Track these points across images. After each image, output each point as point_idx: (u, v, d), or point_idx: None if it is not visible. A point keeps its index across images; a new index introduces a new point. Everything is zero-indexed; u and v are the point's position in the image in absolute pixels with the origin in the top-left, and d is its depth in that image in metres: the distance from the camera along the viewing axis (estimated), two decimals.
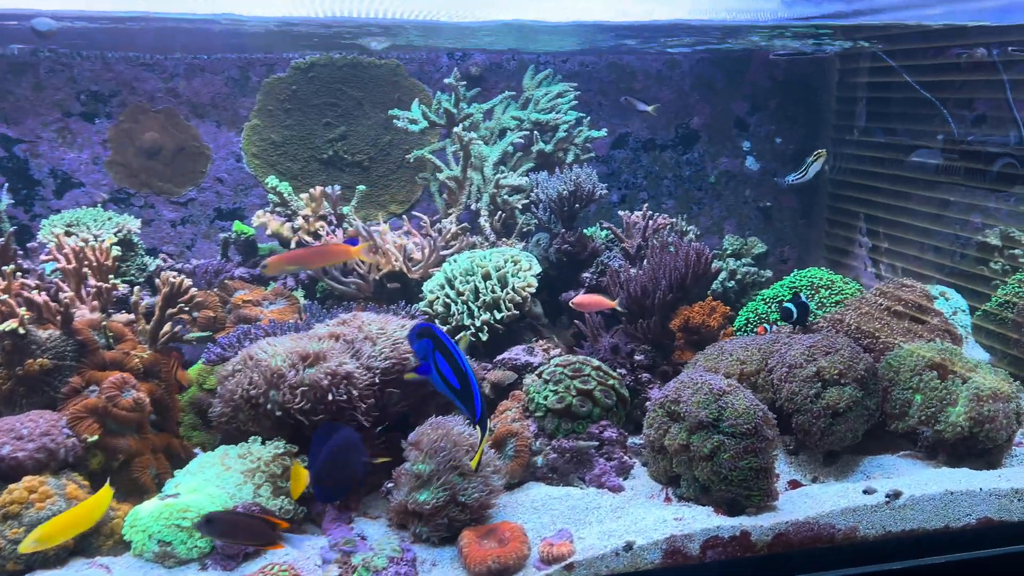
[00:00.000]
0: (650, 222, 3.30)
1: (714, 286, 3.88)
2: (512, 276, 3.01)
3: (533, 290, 3.01)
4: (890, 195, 3.99)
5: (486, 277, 2.99)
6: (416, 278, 3.19)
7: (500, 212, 3.40)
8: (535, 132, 3.62)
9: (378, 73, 3.90)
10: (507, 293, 2.95)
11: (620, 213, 3.29)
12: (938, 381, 2.57)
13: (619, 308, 2.89)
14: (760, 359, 2.69)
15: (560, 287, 3.23)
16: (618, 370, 2.90)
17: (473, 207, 3.50)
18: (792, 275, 3.62)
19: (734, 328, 3.55)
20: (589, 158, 3.80)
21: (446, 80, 3.44)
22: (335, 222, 3.26)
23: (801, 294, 2.93)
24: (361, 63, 3.87)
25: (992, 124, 3.85)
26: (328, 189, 3.25)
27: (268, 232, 3.18)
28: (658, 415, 2.49)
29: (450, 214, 3.52)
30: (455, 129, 3.34)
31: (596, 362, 2.70)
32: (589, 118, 3.84)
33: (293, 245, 3.19)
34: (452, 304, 2.95)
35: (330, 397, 2.28)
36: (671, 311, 3.05)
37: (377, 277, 3.19)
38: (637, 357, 2.93)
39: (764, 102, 4.29)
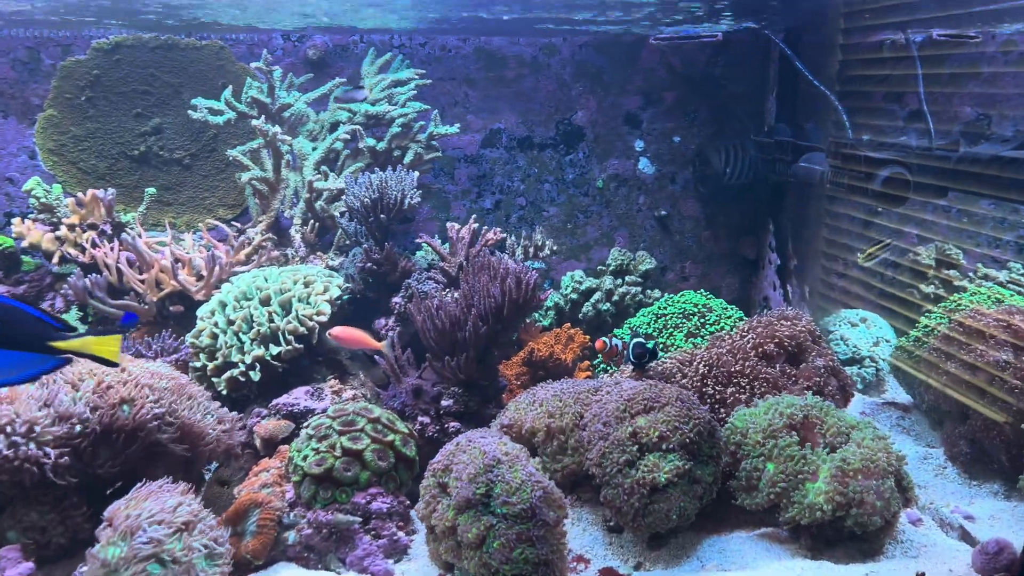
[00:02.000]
0: (478, 236, 2.78)
1: (584, 309, 3.38)
2: (299, 301, 2.49)
3: (325, 318, 2.49)
4: (806, 203, 3.49)
5: (265, 302, 2.48)
6: (202, 299, 2.67)
7: (314, 221, 2.87)
8: (360, 128, 3.09)
9: (198, 56, 3.37)
10: (288, 323, 2.43)
11: (449, 224, 2.77)
12: (797, 448, 2.06)
13: (385, 350, 2.39)
14: (576, 411, 2.18)
15: (373, 313, 2.71)
16: (420, 419, 2.40)
17: (287, 214, 2.98)
18: (663, 300, 3.12)
19: (594, 363, 3.04)
20: (433, 158, 3.28)
21: (254, 65, 2.92)
22: (109, 232, 2.73)
23: (618, 333, 2.43)
24: (177, 44, 3.34)
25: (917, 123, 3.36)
26: (101, 193, 2.72)
27: (25, 243, 2.65)
28: (431, 485, 1.98)
29: (260, 222, 3.00)
30: (254, 122, 2.82)
31: (378, 412, 2.19)
32: (437, 111, 3.32)
33: (56, 260, 2.66)
34: (221, 335, 2.43)
35: None
36: (497, 345, 2.54)
37: (155, 299, 2.67)
38: (444, 402, 2.42)
39: (659, 95, 3.78)
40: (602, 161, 3.81)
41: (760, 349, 2.46)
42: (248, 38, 3.46)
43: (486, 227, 2.75)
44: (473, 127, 3.71)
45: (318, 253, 2.87)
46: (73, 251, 2.63)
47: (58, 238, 2.63)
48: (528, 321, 3.23)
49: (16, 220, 2.68)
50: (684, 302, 2.97)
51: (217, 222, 3.49)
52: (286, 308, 2.47)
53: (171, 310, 2.70)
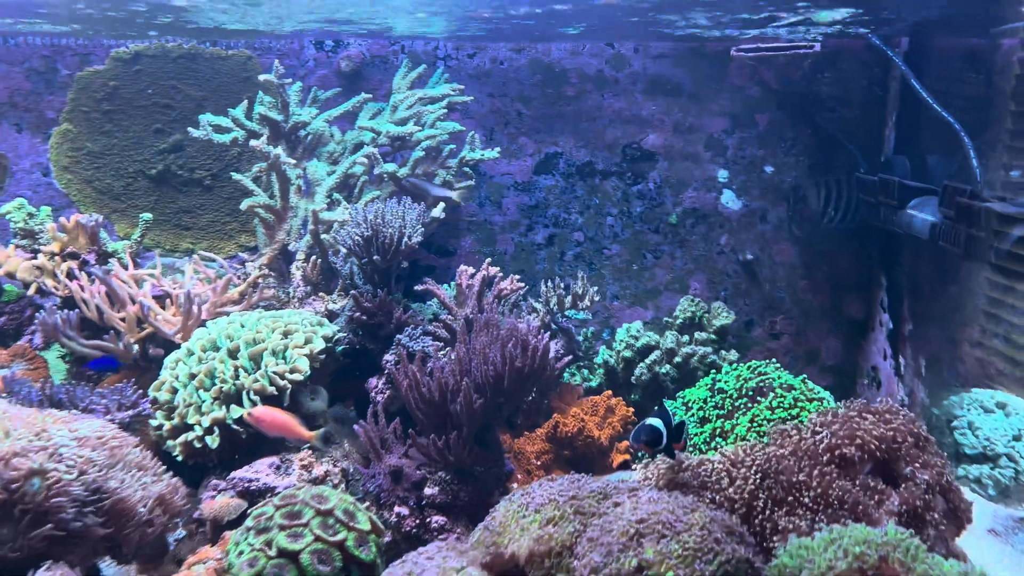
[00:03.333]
0: (490, 285, 2.42)
1: (638, 371, 2.94)
2: (273, 355, 2.22)
3: (301, 376, 2.21)
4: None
5: (233, 353, 2.22)
6: (180, 341, 2.46)
7: (317, 257, 2.61)
8: (376, 152, 2.81)
9: (224, 67, 3.22)
10: (255, 380, 2.16)
11: (460, 268, 2.42)
12: None
13: (316, 442, 2.06)
14: (573, 528, 1.76)
15: (366, 371, 2.41)
16: (397, 508, 2.06)
17: (292, 246, 2.74)
18: (729, 369, 2.64)
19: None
20: (466, 188, 2.96)
21: (262, 77, 2.70)
22: (92, 261, 2.57)
23: (670, 407, 1.95)
24: (202, 54, 3.20)
25: None
26: (85, 218, 2.58)
27: (1, 271, 2.54)
28: None
29: (263, 254, 2.77)
30: (254, 143, 2.59)
31: (334, 502, 1.87)
32: (473, 133, 3.00)
33: (32, 291, 2.53)
34: (180, 389, 2.20)
35: None
36: (499, 422, 2.17)
37: (133, 340, 2.48)
38: (428, 490, 2.07)
39: (749, 117, 3.29)
40: (677, 193, 3.36)
41: (836, 453, 1.95)
42: (279, 46, 3.28)
43: (501, 274, 2.39)
44: (526, 151, 3.37)
45: (320, 294, 2.61)
46: (50, 282, 2.49)
47: (37, 267, 2.50)
48: (565, 383, 2.83)
49: None
50: (752, 375, 2.48)
51: (240, 249, 3.32)
52: (257, 362, 2.21)
53: (151, 353, 2.51)
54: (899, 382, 2.87)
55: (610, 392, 2.68)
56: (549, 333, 2.14)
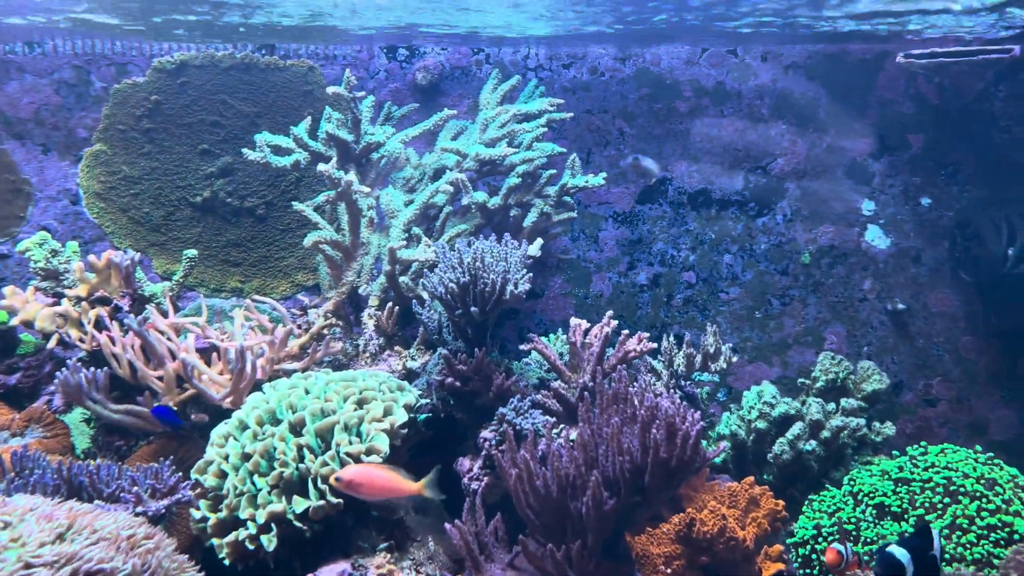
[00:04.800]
0: (612, 343, 2.03)
1: (778, 448, 2.53)
2: (345, 431, 1.87)
3: (379, 457, 1.85)
4: None
5: (295, 429, 1.87)
6: (229, 407, 2.13)
7: (393, 304, 2.27)
8: (464, 178, 2.47)
9: (281, 79, 2.93)
10: (323, 464, 1.81)
11: (573, 323, 2.05)
12: None
13: (428, 492, 1.70)
14: None
15: (452, 448, 2.04)
16: None
17: (362, 290, 2.41)
18: (912, 455, 2.21)
19: (792, 545, 2.18)
20: (566, 219, 2.60)
21: (331, 89, 2.39)
22: (126, 307, 2.27)
23: (934, 530, 1.54)
24: (256, 64, 2.92)
25: None
26: (119, 256, 2.27)
27: (16, 320, 2.24)
28: None
29: (328, 299, 2.44)
30: (322, 167, 2.27)
31: None
32: (575, 156, 2.64)
33: (53, 343, 2.23)
34: (231, 474, 1.85)
35: None
36: (632, 528, 1.78)
37: (173, 404, 2.16)
38: None
39: (901, 138, 2.89)
40: (811, 228, 2.96)
41: None
42: (345, 55, 2.99)
43: (626, 331, 2.01)
44: (628, 176, 3.01)
45: (396, 348, 2.26)
46: (75, 333, 2.19)
47: (60, 315, 2.20)
48: None
49: (8, 289, 2.28)
50: (946, 467, 2.05)
51: (297, 288, 3.01)
52: (325, 440, 1.86)
53: (193, 419, 2.18)
54: None
55: (752, 479, 2.27)
56: (699, 414, 1.75)
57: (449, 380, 1.92)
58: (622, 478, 1.68)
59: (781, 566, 2.10)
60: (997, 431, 2.88)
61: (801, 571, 2.13)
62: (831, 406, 2.65)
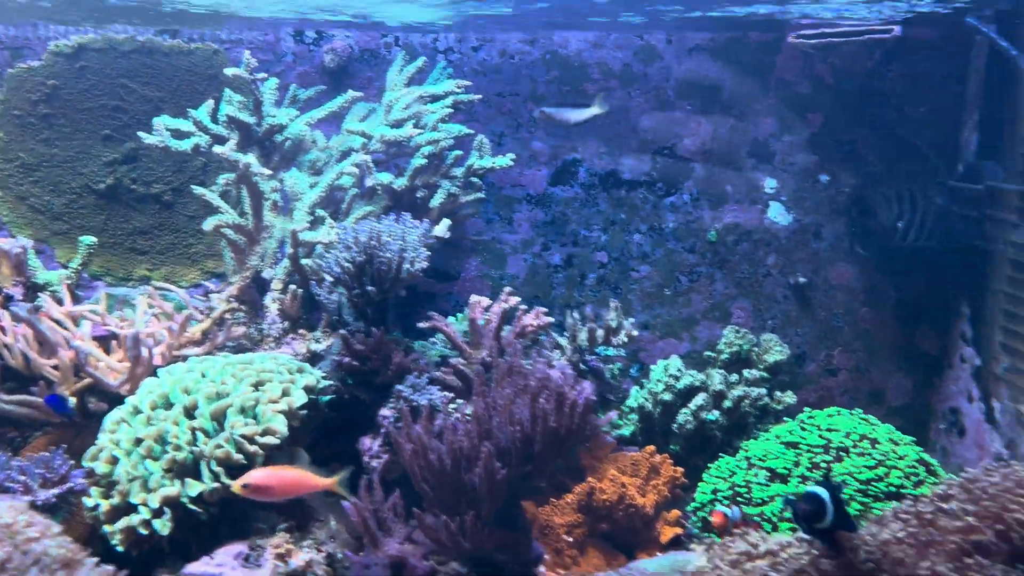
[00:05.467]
0: (511, 319, 2.05)
1: (682, 418, 2.58)
2: (240, 413, 1.84)
3: (277, 439, 1.83)
4: (1015, 277, 2.58)
5: (189, 412, 1.85)
6: (127, 394, 2.08)
7: (297, 287, 2.25)
8: (369, 160, 2.45)
9: (186, 63, 2.87)
10: (217, 447, 1.78)
11: (472, 300, 2.06)
12: None
13: (341, 488, 1.71)
14: None
15: (357, 425, 2.03)
16: None
17: (266, 274, 2.38)
18: (804, 418, 2.29)
19: (693, 510, 2.23)
20: (474, 200, 2.60)
21: (229, 71, 2.35)
22: (18, 296, 2.20)
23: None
24: (159, 48, 2.85)
25: None
26: (9, 244, 2.20)
27: None
28: None
29: (232, 283, 2.41)
30: (218, 149, 2.23)
31: None
32: (483, 137, 2.65)
33: None
34: (122, 459, 1.82)
35: None
36: (528, 495, 1.80)
37: (70, 392, 2.10)
38: None
39: (801, 118, 2.96)
40: (716, 206, 3.02)
41: (971, 540, 1.59)
42: (252, 38, 2.93)
43: (524, 306, 2.03)
44: (540, 158, 3.03)
45: (300, 331, 2.24)
46: None
47: None
48: (597, 436, 2.46)
49: None
50: (828, 429, 2.12)
51: (206, 276, 2.95)
52: (221, 423, 1.83)
53: (91, 408, 2.13)
54: (993, 430, 2.52)
55: (653, 448, 2.32)
56: (590, 384, 1.78)
57: (347, 360, 1.92)
58: (513, 448, 1.70)
59: (679, 530, 2.15)
60: (894, 398, 3.00)
61: (701, 533, 2.18)
62: (734, 377, 2.73)
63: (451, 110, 2.49)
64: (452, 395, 1.92)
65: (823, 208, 2.98)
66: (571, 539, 2.10)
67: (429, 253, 1.90)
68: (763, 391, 2.67)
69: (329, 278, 2.01)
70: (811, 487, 1.44)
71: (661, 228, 3.05)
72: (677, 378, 2.69)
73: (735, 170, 3.00)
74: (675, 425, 2.62)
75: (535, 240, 3.07)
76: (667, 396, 2.67)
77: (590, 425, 1.78)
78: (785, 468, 2.11)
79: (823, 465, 2.06)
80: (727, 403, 2.61)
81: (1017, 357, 2.51)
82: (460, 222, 2.75)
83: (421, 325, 2.01)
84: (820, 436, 2.11)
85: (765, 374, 2.77)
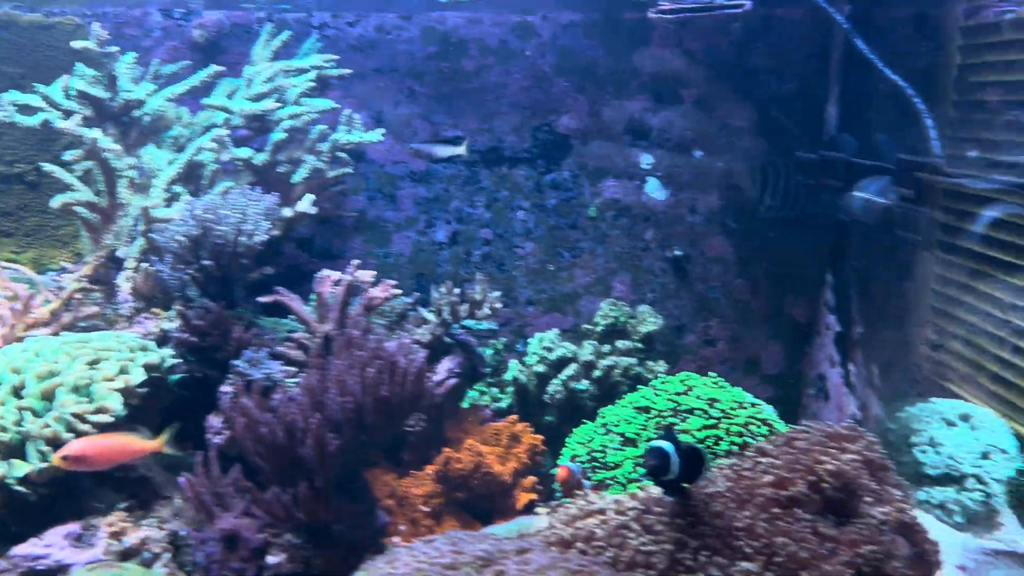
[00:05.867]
0: (356, 293, 2.04)
1: (552, 388, 2.61)
2: (72, 392, 1.80)
3: (110, 418, 1.79)
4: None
5: (17, 392, 1.79)
6: None
7: (148, 265, 2.20)
8: (226, 135, 2.41)
9: (46, 38, 2.76)
10: (44, 427, 1.73)
11: (319, 275, 2.04)
12: None
13: (168, 448, 1.69)
14: None
15: (207, 407, 2.00)
16: None
17: (121, 253, 2.31)
18: (658, 384, 2.33)
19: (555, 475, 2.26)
20: (341, 175, 2.58)
21: (78, 44, 2.28)
22: None
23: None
24: (16, 21, 2.74)
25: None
26: None
27: None
28: None
29: (87, 263, 2.34)
30: (61, 124, 2.16)
31: None
32: (350, 112, 2.62)
33: None
34: None
35: None
36: (366, 464, 1.79)
37: None
38: (272, 558, 1.68)
39: (675, 94, 3.00)
40: (596, 182, 3.05)
41: (784, 491, 1.64)
42: (117, 13, 2.85)
43: (372, 279, 2.02)
44: (420, 134, 3.00)
45: (154, 310, 2.19)
46: None
47: None
48: (467, 407, 2.47)
49: None
50: (679, 392, 2.17)
51: (77, 258, 2.86)
52: (52, 402, 1.78)
53: None
54: (849, 393, 2.61)
55: (514, 417, 2.34)
56: (428, 351, 1.78)
57: (184, 336, 1.88)
58: (345, 419, 1.69)
59: (534, 495, 2.18)
60: (769, 366, 3.07)
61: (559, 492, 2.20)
62: (607, 348, 2.76)
63: (313, 83, 2.45)
64: (296, 370, 1.90)
65: (698, 183, 3.02)
66: (427, 509, 2.10)
67: (270, 226, 1.88)
68: (633, 360, 2.72)
69: (169, 254, 1.97)
70: (656, 442, 1.46)
71: (543, 205, 3.06)
72: (550, 350, 2.72)
73: (613, 146, 3.03)
74: (547, 396, 2.65)
75: (419, 218, 3.05)
76: (540, 368, 2.69)
77: (428, 394, 1.78)
78: (635, 432, 2.15)
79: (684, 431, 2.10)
80: (597, 372, 2.65)
81: (869, 322, 2.60)
82: (333, 199, 2.72)
83: (262, 299, 1.98)
84: (670, 400, 2.16)
85: (639, 344, 2.82)
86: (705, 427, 2.03)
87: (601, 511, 1.72)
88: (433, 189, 3.04)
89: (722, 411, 2.08)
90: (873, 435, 1.77)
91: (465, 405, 2.71)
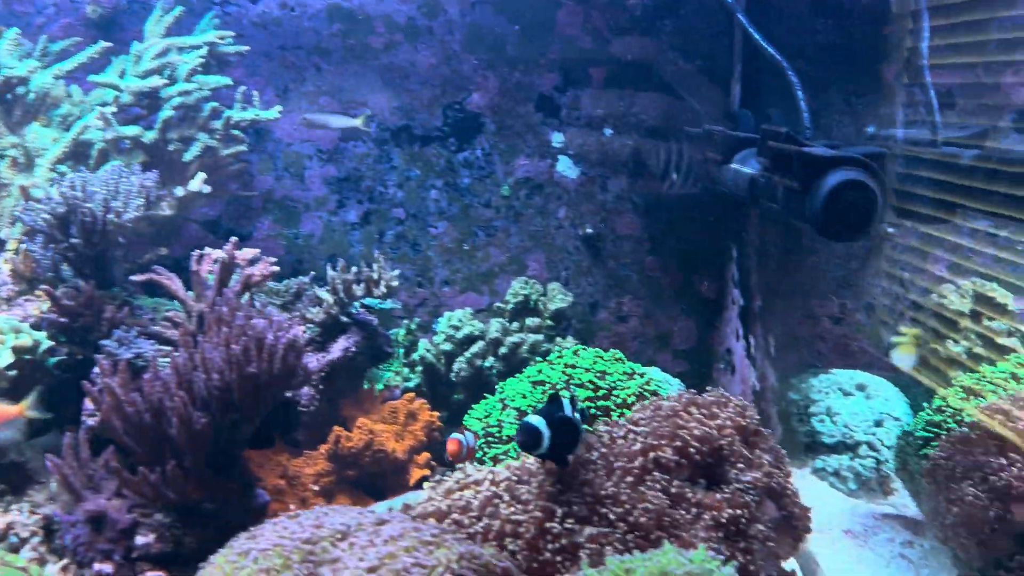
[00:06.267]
0: (232, 271, 2.00)
1: (456, 367, 2.60)
2: None
3: None
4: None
5: None
6: None
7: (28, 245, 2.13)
8: (109, 113, 2.35)
9: None
10: None
11: (195, 253, 2.00)
12: None
13: (31, 412, 1.66)
14: (301, 573, 1.39)
15: (74, 392, 1.95)
16: (98, 566, 1.63)
17: (3, 235, 2.25)
18: (554, 358, 2.32)
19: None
20: (236, 153, 2.53)
21: None
22: None
23: (565, 398, 1.55)
24: None
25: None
26: None
27: None
28: None
29: None
30: None
31: None
32: (245, 88, 2.57)
33: None
34: None
35: None
36: (239, 444, 1.77)
37: None
38: (141, 539, 1.65)
39: (584, 72, 2.99)
40: (508, 160, 3.04)
41: (651, 457, 1.65)
42: None
43: (249, 254, 1.98)
44: (328, 112, 2.96)
45: (37, 292, 2.12)
46: None
47: None
48: (367, 387, 2.45)
49: None
50: (568, 364, 2.17)
51: None
52: None
53: None
54: (751, 365, 2.64)
55: (412, 395, 2.32)
56: (301, 330, 1.75)
57: (53, 316, 1.83)
58: (212, 397, 1.66)
59: (427, 471, 2.17)
60: (680, 341, 3.10)
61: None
62: (515, 325, 2.76)
63: (204, 60, 2.39)
64: (170, 349, 1.87)
65: (608, 161, 3.03)
66: (318, 487, 2.08)
67: (142, 202, 1.83)
68: (540, 337, 2.72)
69: (39, 234, 1.91)
70: (528, 417, 1.46)
71: (456, 184, 3.04)
72: (458, 328, 2.71)
73: (524, 124, 3.01)
74: (452, 374, 2.64)
75: (329, 197, 3.01)
76: (447, 346, 2.69)
77: (303, 371, 1.75)
78: (530, 406, 2.15)
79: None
80: (503, 350, 2.65)
81: (771, 296, 2.64)
82: (239, 178, 2.68)
83: (135, 279, 1.94)
84: (563, 373, 2.16)
85: (549, 321, 2.82)
86: (593, 399, 2.03)
87: (477, 482, 1.72)
88: (343, 168, 3.00)
89: (613, 383, 2.08)
90: (746, 402, 1.79)
91: (380, 387, 2.70)
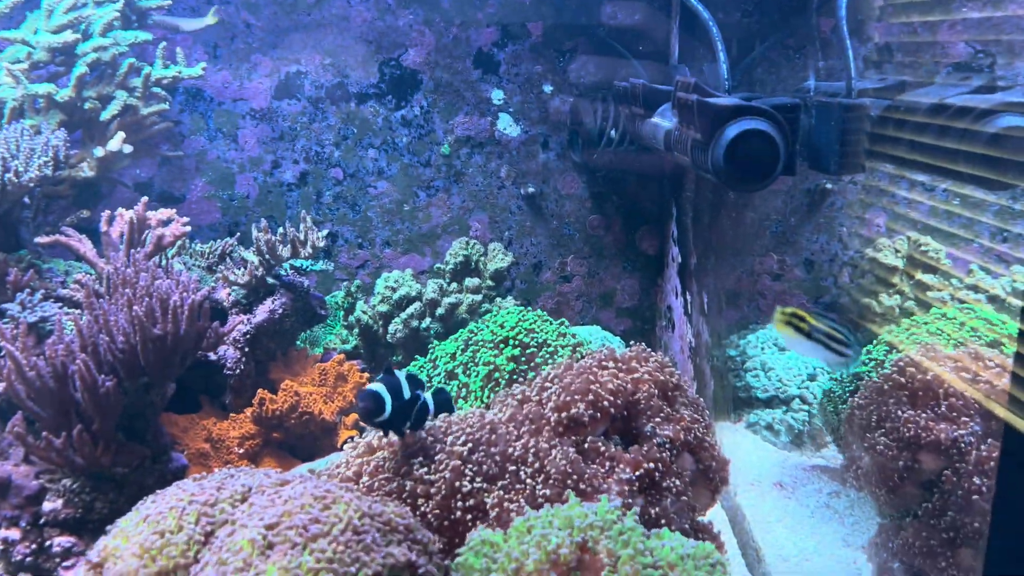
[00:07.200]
0: (143, 230, 1.95)
1: (392, 328, 2.58)
2: None
3: None
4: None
5: None
6: None
7: None
8: (18, 70, 2.26)
9: None
10: None
11: (107, 213, 1.94)
12: None
13: None
14: (194, 538, 1.37)
15: None
16: (3, 532, 1.60)
17: None
18: (489, 319, 2.30)
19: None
20: (157, 112, 2.45)
21: None
22: None
23: (398, 374, 1.53)
24: None
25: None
26: None
27: None
28: None
29: None
30: None
31: None
32: (166, 44, 2.48)
33: None
34: None
35: None
36: (152, 408, 1.73)
37: None
38: (48, 504, 1.62)
39: (521, 27, 2.93)
40: (447, 118, 2.98)
41: (565, 414, 1.64)
42: None
43: (165, 215, 1.92)
44: (261, 70, 2.88)
45: None
46: None
47: None
48: (301, 348, 2.42)
49: None
50: (495, 323, 2.15)
51: None
52: None
53: None
54: (687, 321, 2.64)
55: (342, 356, 2.30)
56: (226, 292, 1.71)
57: None
58: (119, 360, 1.62)
59: (354, 432, 2.15)
60: (624, 299, 3.09)
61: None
62: (453, 285, 2.73)
63: (118, 13, 2.30)
64: (79, 312, 1.82)
65: (549, 118, 2.98)
66: (242, 450, 2.06)
67: (47, 160, 1.76)
68: (479, 297, 2.69)
69: None
70: (371, 384, 1.42)
71: (395, 143, 2.98)
72: (395, 289, 2.67)
73: (462, 81, 2.95)
74: (388, 335, 2.62)
75: (264, 158, 2.94)
76: (384, 307, 2.65)
77: (214, 333, 1.71)
78: (459, 364, 2.13)
79: (489, 361, 2.08)
80: (440, 311, 2.62)
81: (708, 253, 2.63)
82: (171, 138, 2.60)
83: (40, 240, 1.88)
84: (491, 332, 2.14)
85: (490, 282, 2.79)
86: (516, 357, 2.02)
87: (392, 443, 1.71)
88: (278, 128, 2.93)
89: (540, 342, 2.07)
90: (666, 357, 1.78)
91: (319, 349, 2.67)
